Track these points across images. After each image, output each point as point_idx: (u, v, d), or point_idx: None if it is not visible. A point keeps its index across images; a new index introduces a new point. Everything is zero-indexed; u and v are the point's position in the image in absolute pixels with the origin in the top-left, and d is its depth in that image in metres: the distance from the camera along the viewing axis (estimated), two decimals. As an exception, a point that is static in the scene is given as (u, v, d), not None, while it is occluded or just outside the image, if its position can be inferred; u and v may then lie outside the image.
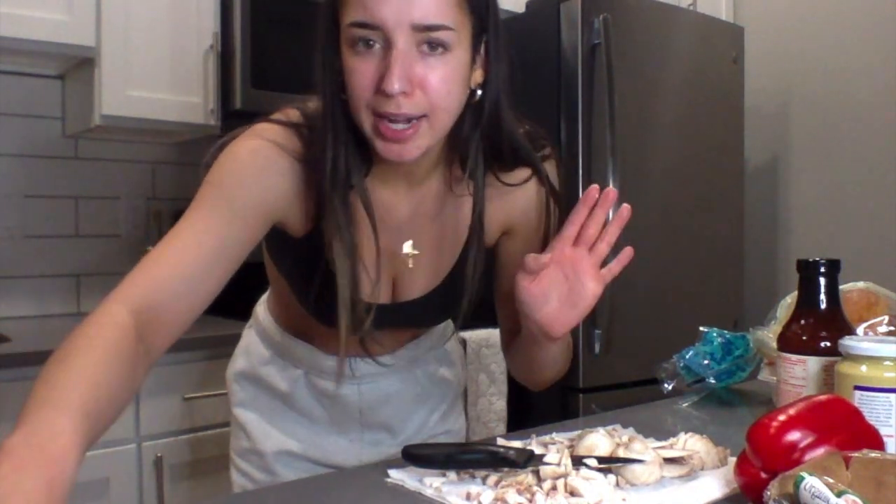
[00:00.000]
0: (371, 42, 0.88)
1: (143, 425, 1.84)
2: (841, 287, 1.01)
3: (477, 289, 1.07)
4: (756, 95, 3.01)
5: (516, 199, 1.08)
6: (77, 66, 2.17)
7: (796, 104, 3.02)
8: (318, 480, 0.98)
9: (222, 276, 0.95)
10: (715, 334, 1.35)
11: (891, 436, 0.81)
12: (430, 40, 0.88)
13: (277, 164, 0.98)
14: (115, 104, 2.07)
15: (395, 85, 0.87)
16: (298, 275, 1.07)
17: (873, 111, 2.78)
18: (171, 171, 2.52)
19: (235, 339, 1.99)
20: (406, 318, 1.12)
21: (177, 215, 2.67)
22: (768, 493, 0.64)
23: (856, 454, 0.68)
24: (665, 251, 2.44)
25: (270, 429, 1.23)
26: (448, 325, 1.31)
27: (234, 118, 2.21)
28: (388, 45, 0.88)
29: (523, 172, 1.06)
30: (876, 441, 0.76)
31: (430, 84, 0.89)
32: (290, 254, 1.07)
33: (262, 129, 1.01)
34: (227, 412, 1.94)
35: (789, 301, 1.20)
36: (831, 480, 0.62)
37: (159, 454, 1.85)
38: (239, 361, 1.29)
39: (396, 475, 0.85)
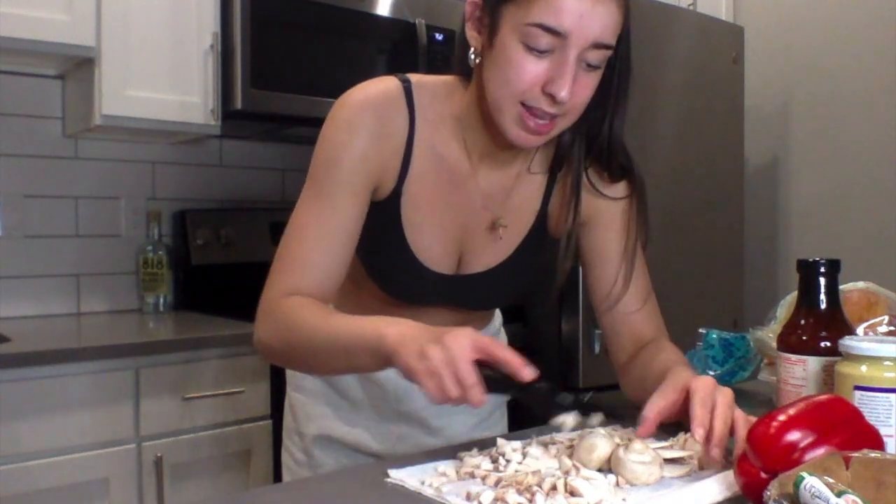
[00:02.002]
0: (546, 47, 0.94)
1: (143, 425, 1.84)
2: (841, 287, 1.01)
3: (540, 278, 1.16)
4: (756, 95, 3.01)
5: (599, 202, 1.14)
6: (77, 66, 2.17)
7: (796, 104, 3.02)
8: (318, 480, 0.98)
9: (351, 249, 1.05)
10: (714, 336, 1.35)
11: (891, 436, 0.81)
12: (591, 60, 0.96)
13: (366, 127, 1.04)
14: (115, 104, 2.07)
15: (564, 93, 0.94)
16: (369, 240, 1.10)
17: (873, 111, 2.78)
18: (171, 171, 2.52)
19: (236, 339, 2.00)
20: (463, 294, 1.15)
21: (177, 215, 2.69)
22: (768, 493, 0.64)
23: (856, 454, 0.68)
24: (665, 251, 2.44)
25: (314, 412, 1.27)
26: (497, 333, 1.36)
27: (234, 118, 2.21)
28: (561, 52, 0.94)
29: (620, 189, 1.14)
30: (876, 441, 0.76)
31: (578, 96, 0.97)
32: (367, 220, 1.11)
33: (361, 88, 1.07)
34: (226, 412, 1.96)
35: (789, 301, 1.20)
36: (831, 480, 0.62)
37: (159, 454, 1.85)
38: None
39: (396, 475, 0.85)
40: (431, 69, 2.40)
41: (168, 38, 2.15)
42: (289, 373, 1.34)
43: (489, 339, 0.85)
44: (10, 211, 2.25)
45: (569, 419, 0.86)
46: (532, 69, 0.94)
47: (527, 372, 0.83)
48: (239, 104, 2.16)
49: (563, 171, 1.15)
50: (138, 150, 2.45)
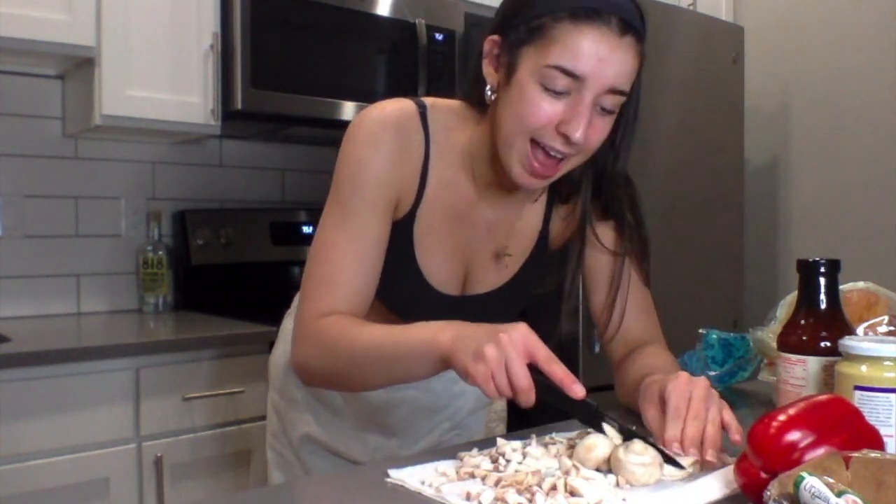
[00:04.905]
0: (563, 88, 0.95)
1: (143, 425, 1.84)
2: (841, 287, 1.00)
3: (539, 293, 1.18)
4: (756, 95, 3.01)
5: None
6: (77, 66, 2.17)
7: (796, 104, 3.02)
8: (318, 480, 0.98)
9: (379, 266, 1.06)
10: (714, 336, 1.35)
11: (891, 436, 0.81)
12: (606, 105, 0.97)
13: (387, 146, 1.05)
14: (115, 104, 2.06)
15: (578, 134, 0.95)
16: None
17: (873, 111, 2.78)
18: (171, 171, 2.52)
19: (236, 338, 2.00)
20: (466, 313, 1.16)
21: (177, 215, 2.68)
22: (768, 493, 0.64)
23: (856, 454, 0.67)
24: (665, 251, 2.44)
25: (297, 417, 1.28)
26: None
27: (234, 118, 2.21)
28: (577, 95, 0.95)
29: (610, 232, 1.15)
30: (876, 441, 0.76)
31: (591, 139, 0.98)
32: None
33: (380, 106, 1.08)
34: (226, 412, 1.96)
35: (789, 301, 1.20)
36: (831, 480, 0.62)
37: (159, 454, 1.85)
38: (277, 348, 1.34)
39: (396, 475, 0.85)
40: (431, 69, 2.40)
41: (168, 38, 2.14)
42: (271, 376, 1.35)
43: (543, 349, 0.86)
44: (10, 211, 2.25)
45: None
46: (548, 109, 0.96)
47: (577, 389, 0.84)
48: (239, 104, 2.16)
49: (565, 199, 1.17)
50: (138, 150, 2.45)
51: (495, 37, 1.02)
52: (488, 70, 1.03)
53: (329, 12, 2.28)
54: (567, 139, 0.96)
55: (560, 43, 0.94)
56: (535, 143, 0.98)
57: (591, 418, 0.88)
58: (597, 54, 0.94)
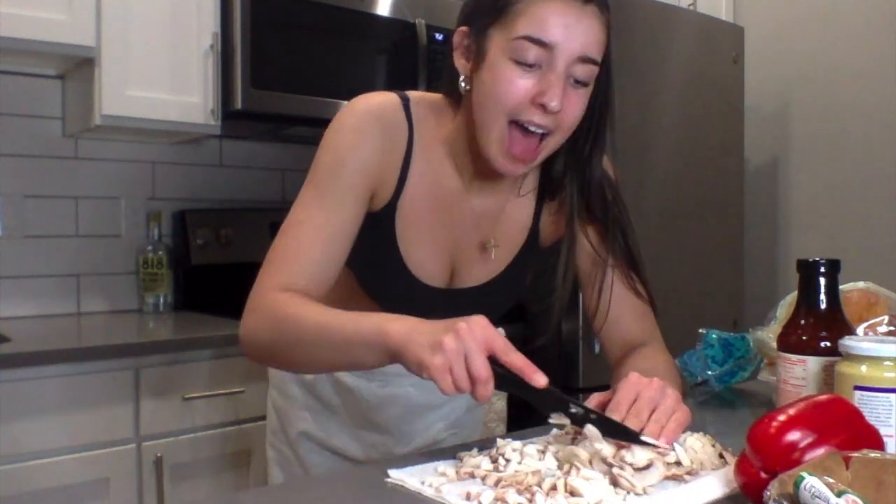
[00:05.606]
0: (534, 60, 0.96)
1: (143, 425, 1.84)
2: (841, 287, 1.00)
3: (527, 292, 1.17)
4: (756, 95, 3.01)
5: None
6: (77, 66, 2.17)
7: (796, 104, 3.02)
8: (318, 480, 0.98)
9: (346, 250, 1.05)
10: (714, 336, 1.35)
11: (891, 436, 0.81)
12: (578, 75, 0.97)
13: (372, 135, 1.05)
14: (115, 104, 2.07)
15: (555, 102, 0.95)
16: (364, 252, 1.10)
17: (873, 111, 2.78)
18: (171, 171, 2.52)
19: (236, 339, 2.00)
20: (455, 307, 1.16)
21: (177, 215, 2.67)
22: (768, 493, 0.64)
23: (856, 454, 0.68)
24: (665, 251, 2.44)
25: (294, 414, 1.29)
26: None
27: (234, 118, 2.21)
28: (548, 66, 0.96)
29: (596, 233, 1.13)
30: (876, 441, 0.76)
31: (568, 111, 0.98)
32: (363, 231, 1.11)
33: (366, 98, 1.08)
34: (226, 412, 1.96)
35: (789, 301, 1.20)
36: (831, 480, 0.62)
37: (159, 454, 1.85)
38: None
39: (396, 475, 0.85)
40: (431, 69, 2.40)
41: (168, 38, 2.14)
42: (271, 373, 1.36)
43: (502, 340, 0.84)
44: (10, 211, 2.25)
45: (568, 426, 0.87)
46: (522, 83, 0.97)
47: (538, 378, 0.82)
48: (239, 104, 2.16)
49: (553, 196, 1.16)
50: (138, 150, 2.45)
51: (463, 28, 1.04)
52: (460, 62, 1.05)
53: (329, 12, 2.28)
54: (544, 109, 0.96)
55: (526, 15, 0.95)
56: (512, 124, 0.99)
57: (555, 406, 0.86)
58: (563, 22, 0.95)
